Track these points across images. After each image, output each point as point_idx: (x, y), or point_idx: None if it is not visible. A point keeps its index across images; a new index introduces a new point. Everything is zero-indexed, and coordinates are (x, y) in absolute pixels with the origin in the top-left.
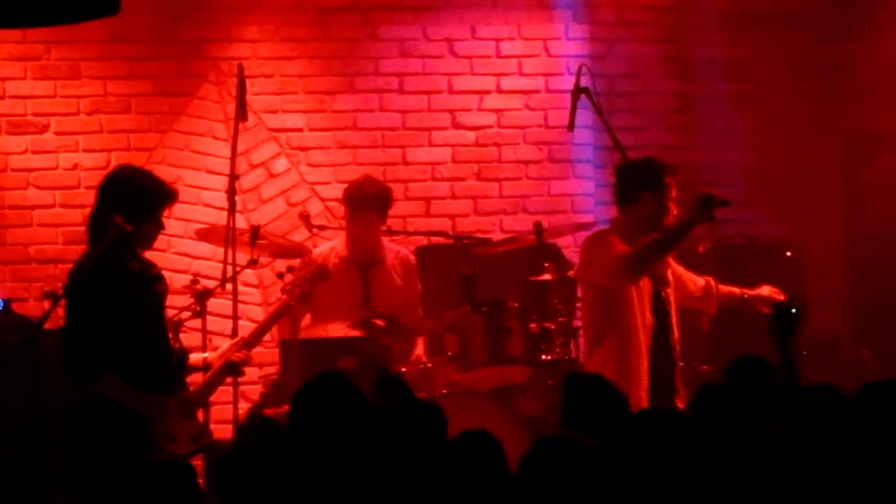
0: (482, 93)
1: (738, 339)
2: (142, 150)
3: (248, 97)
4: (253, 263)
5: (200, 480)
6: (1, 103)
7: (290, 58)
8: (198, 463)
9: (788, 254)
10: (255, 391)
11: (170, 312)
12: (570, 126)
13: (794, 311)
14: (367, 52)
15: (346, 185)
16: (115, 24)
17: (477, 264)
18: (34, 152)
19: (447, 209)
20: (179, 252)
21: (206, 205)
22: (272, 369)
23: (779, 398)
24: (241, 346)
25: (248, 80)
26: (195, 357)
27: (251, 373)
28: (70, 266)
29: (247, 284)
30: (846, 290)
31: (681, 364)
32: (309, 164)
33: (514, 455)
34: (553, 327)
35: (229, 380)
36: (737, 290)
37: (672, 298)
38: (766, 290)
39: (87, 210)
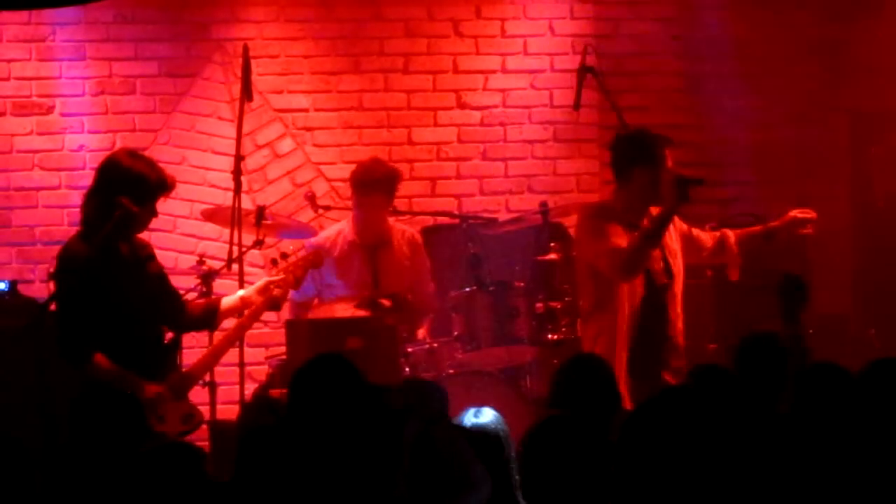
0: (487, 72)
1: (744, 317)
2: (147, 131)
3: (254, 78)
4: (259, 244)
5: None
6: (6, 85)
7: (296, 38)
8: (205, 443)
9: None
10: (261, 372)
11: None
12: (576, 105)
13: (801, 280)
14: (372, 33)
15: (352, 167)
16: (121, 5)
17: (483, 244)
18: (39, 134)
19: (453, 189)
20: (185, 233)
21: (212, 185)
22: (278, 350)
23: (788, 377)
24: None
25: (253, 61)
26: (229, 301)
27: (257, 354)
28: (60, 249)
29: (252, 265)
30: (852, 269)
31: (678, 339)
32: (314, 145)
33: (521, 434)
34: (559, 307)
35: (235, 360)
36: (757, 228)
37: (675, 268)
38: (792, 213)
39: (89, 189)
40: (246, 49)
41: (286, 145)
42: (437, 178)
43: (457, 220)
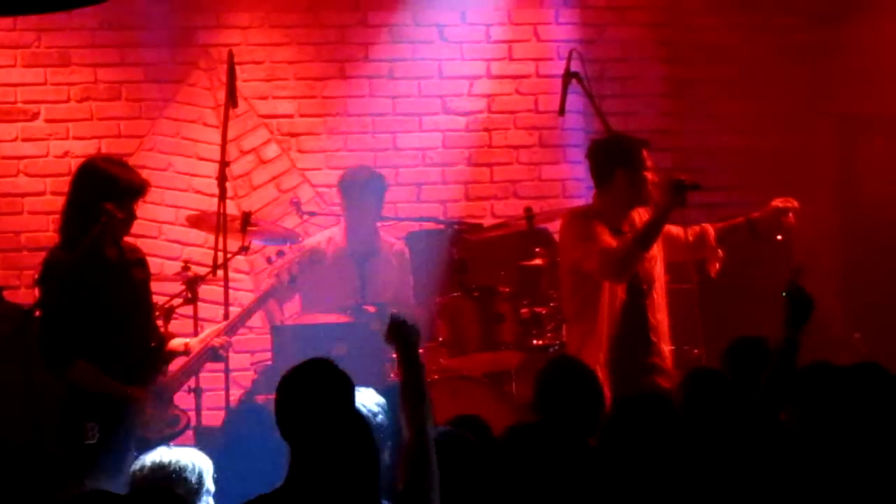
0: (472, 78)
1: (730, 322)
2: (132, 137)
3: (239, 84)
4: (244, 250)
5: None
6: None
7: (281, 44)
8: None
9: (779, 238)
10: (247, 377)
11: (160, 299)
12: (561, 111)
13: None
14: (357, 38)
15: (337, 173)
16: (106, 11)
17: (468, 249)
18: (24, 140)
19: (438, 195)
20: (170, 239)
21: (197, 191)
22: (264, 356)
23: (778, 381)
24: (224, 332)
25: (238, 67)
26: (177, 342)
27: (243, 359)
28: (45, 255)
29: (238, 271)
30: (838, 273)
31: (661, 343)
32: (300, 151)
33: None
34: (544, 312)
35: (221, 366)
36: (740, 220)
37: (655, 272)
38: (775, 202)
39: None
40: (231, 55)
41: (271, 151)
42: (423, 183)
43: (442, 226)
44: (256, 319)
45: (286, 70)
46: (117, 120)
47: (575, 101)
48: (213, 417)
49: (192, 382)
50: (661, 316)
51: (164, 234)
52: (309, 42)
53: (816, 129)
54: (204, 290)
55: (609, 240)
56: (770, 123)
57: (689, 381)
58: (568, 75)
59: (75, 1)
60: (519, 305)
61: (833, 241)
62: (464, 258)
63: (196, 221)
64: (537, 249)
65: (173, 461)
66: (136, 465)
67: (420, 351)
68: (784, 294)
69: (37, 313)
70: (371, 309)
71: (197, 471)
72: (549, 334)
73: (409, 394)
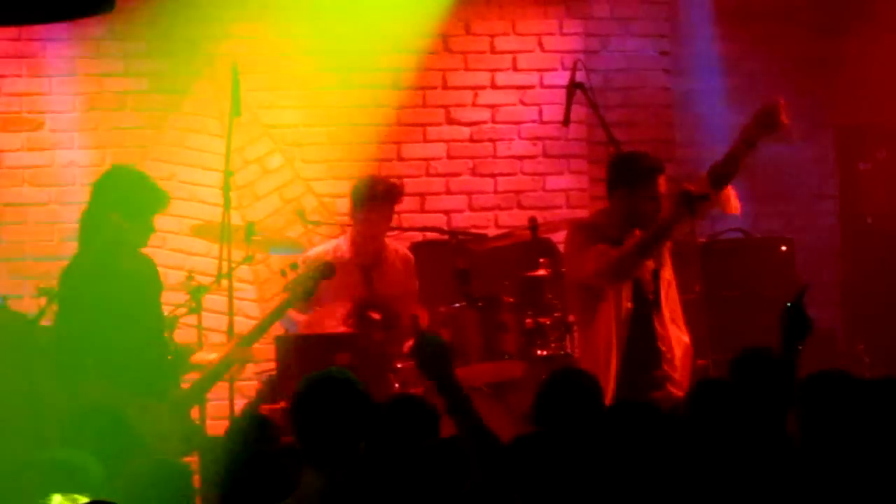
0: (476, 88)
1: (735, 332)
2: (137, 146)
3: (243, 94)
4: (248, 260)
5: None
6: None
7: (285, 54)
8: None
9: (783, 248)
10: (251, 387)
11: (165, 309)
12: (565, 121)
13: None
14: (361, 49)
15: (342, 183)
16: (111, 21)
17: (472, 259)
18: (29, 149)
19: (442, 205)
20: (174, 248)
21: (201, 201)
22: (268, 365)
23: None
24: (240, 345)
25: (242, 77)
26: (200, 356)
27: (247, 369)
28: (65, 263)
29: (242, 281)
30: (841, 285)
31: (670, 352)
32: (304, 161)
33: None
34: (548, 322)
35: (225, 376)
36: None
37: (663, 280)
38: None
39: (84, 207)
40: (235, 65)
41: (275, 161)
42: (427, 193)
43: (446, 236)
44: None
45: (290, 80)
46: (122, 130)
47: (579, 111)
48: (218, 427)
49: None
50: (671, 324)
51: (168, 244)
52: (313, 52)
53: (818, 140)
54: (208, 299)
55: (607, 249)
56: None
57: (696, 390)
58: (572, 86)
59: (80, 10)
60: (523, 315)
61: (835, 253)
62: (467, 268)
63: (200, 231)
64: (541, 260)
65: None
66: None
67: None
68: (783, 311)
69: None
70: (376, 316)
71: None
72: (552, 344)
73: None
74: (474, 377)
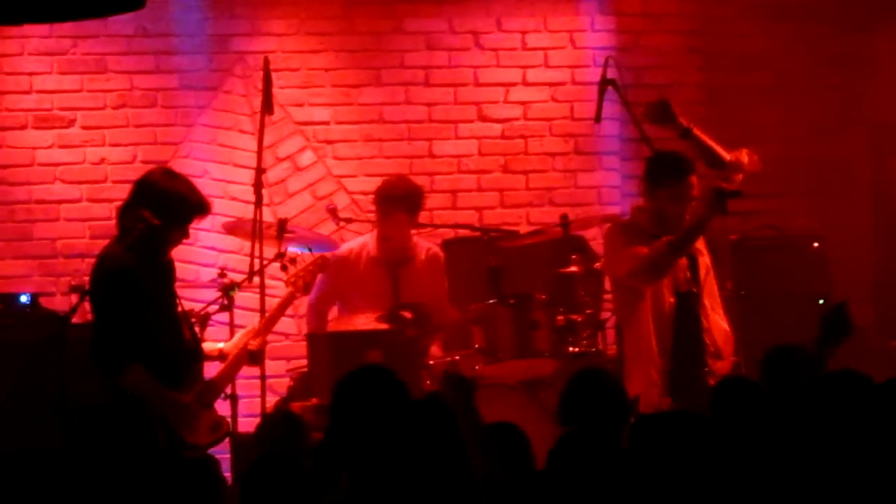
0: (508, 85)
1: (767, 329)
2: (168, 144)
3: (275, 91)
4: (280, 257)
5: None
6: (27, 98)
7: (316, 51)
8: (224, 456)
9: (815, 245)
10: (282, 384)
11: (197, 306)
12: (597, 118)
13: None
14: (392, 46)
15: (373, 180)
16: (141, 18)
17: (503, 257)
18: (61, 147)
19: (474, 202)
20: (206, 246)
21: (233, 198)
22: (299, 363)
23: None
24: (257, 335)
25: (274, 74)
26: (209, 347)
27: (279, 366)
28: (95, 261)
29: (273, 278)
30: (873, 282)
31: (715, 345)
32: (335, 158)
33: (541, 447)
34: (580, 319)
35: (257, 372)
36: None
37: (703, 266)
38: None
39: (115, 204)
40: (267, 62)
41: (307, 158)
42: (458, 190)
43: (477, 233)
44: (292, 326)
45: (322, 77)
46: (153, 127)
47: (611, 108)
48: (249, 424)
49: (228, 389)
50: (713, 313)
51: (199, 241)
52: (345, 49)
53: (850, 136)
54: (240, 296)
55: (642, 249)
56: (803, 131)
57: (719, 390)
58: (604, 82)
59: (111, 7)
60: (554, 313)
61: (866, 249)
62: (499, 265)
63: (232, 228)
64: (573, 257)
65: None
66: None
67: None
68: (822, 314)
69: (74, 319)
70: (407, 315)
71: None
72: (584, 342)
73: (474, 443)
74: (506, 374)
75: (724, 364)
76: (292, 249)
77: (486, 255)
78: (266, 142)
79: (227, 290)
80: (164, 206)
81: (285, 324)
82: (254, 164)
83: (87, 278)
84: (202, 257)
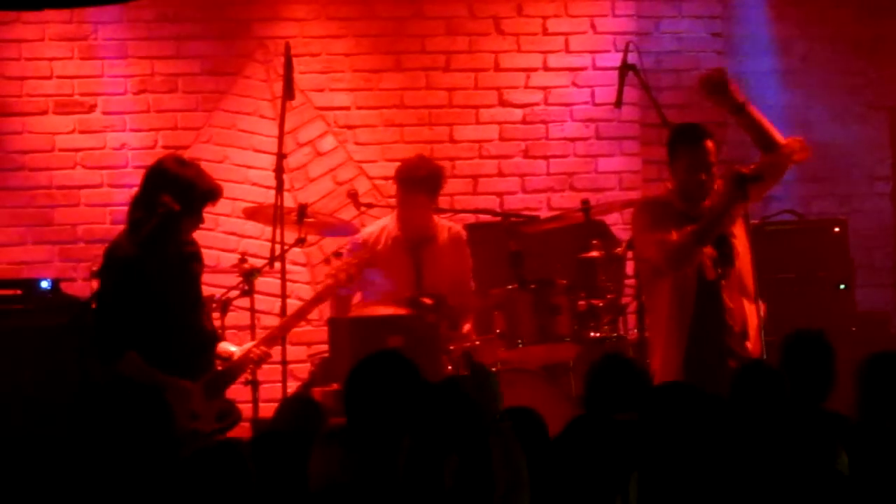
0: (529, 70)
1: (790, 314)
2: (189, 129)
3: (295, 76)
4: (301, 242)
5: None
6: (48, 83)
7: (337, 36)
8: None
9: (836, 230)
10: (303, 370)
11: (218, 291)
12: (618, 103)
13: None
14: (413, 31)
15: (394, 165)
16: (162, 4)
17: (524, 242)
18: (81, 132)
19: (495, 187)
20: (227, 231)
21: (254, 184)
22: (320, 348)
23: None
24: (264, 342)
25: (294, 59)
26: (223, 347)
27: (300, 351)
28: (107, 246)
29: (295, 263)
30: (893, 267)
31: (739, 327)
32: (356, 143)
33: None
34: (601, 305)
35: (278, 357)
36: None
37: (737, 249)
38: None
39: (136, 190)
40: (288, 47)
41: (328, 143)
42: (479, 175)
43: (498, 218)
44: (314, 312)
45: (343, 62)
46: (174, 112)
47: (631, 93)
48: (270, 410)
49: (248, 374)
50: (741, 296)
51: (220, 227)
52: (365, 34)
53: (871, 121)
54: (261, 282)
55: (670, 230)
56: (824, 116)
57: (740, 375)
58: (625, 67)
59: None
60: (576, 298)
61: (888, 234)
62: (520, 250)
63: (253, 213)
64: (594, 242)
65: None
66: None
67: (477, 343)
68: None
69: (93, 304)
70: (428, 301)
71: None
72: (605, 327)
73: None
74: (528, 359)
75: (755, 346)
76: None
77: (507, 241)
78: (287, 127)
79: (248, 275)
80: (184, 194)
81: None
82: (274, 149)
83: None
84: (223, 242)
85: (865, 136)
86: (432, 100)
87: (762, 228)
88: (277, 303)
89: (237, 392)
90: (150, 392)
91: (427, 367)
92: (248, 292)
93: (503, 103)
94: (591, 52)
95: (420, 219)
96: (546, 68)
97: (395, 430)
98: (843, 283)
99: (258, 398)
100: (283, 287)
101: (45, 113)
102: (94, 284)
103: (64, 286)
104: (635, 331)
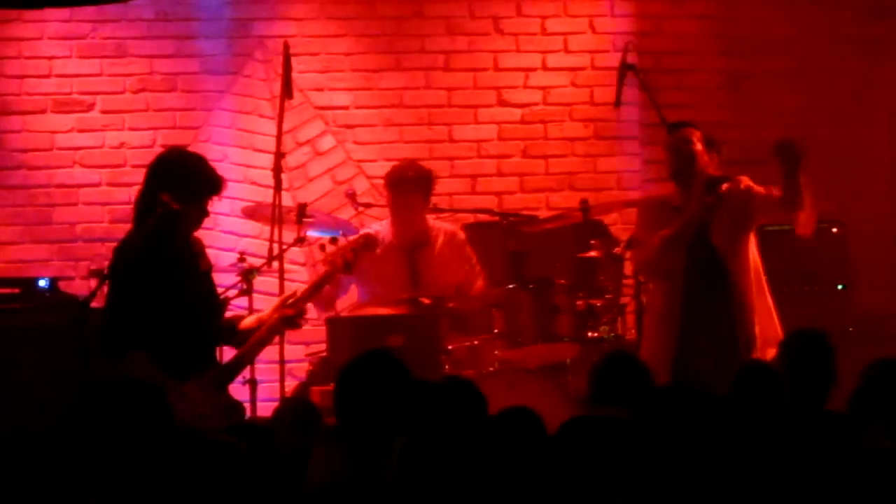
0: (528, 70)
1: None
2: (188, 128)
3: (294, 75)
4: (299, 241)
5: None
6: (47, 82)
7: (337, 35)
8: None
9: (835, 230)
10: (301, 369)
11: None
12: (617, 103)
13: None
14: (413, 30)
15: (393, 164)
16: (161, 2)
17: (524, 241)
18: (80, 131)
19: (493, 186)
20: (226, 230)
21: (253, 183)
22: (319, 347)
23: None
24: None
25: (293, 58)
26: (249, 321)
27: (298, 351)
28: (116, 245)
29: (293, 262)
30: (894, 267)
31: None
32: (355, 142)
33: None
34: (600, 304)
35: (276, 357)
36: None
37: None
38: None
39: (134, 188)
40: (287, 46)
41: (327, 143)
42: (478, 175)
43: (497, 218)
44: (312, 312)
45: (342, 62)
46: (173, 111)
47: (631, 93)
48: (268, 409)
49: (247, 373)
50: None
51: (219, 226)
52: (365, 34)
53: (872, 122)
54: (259, 281)
55: (653, 232)
56: (825, 117)
57: (739, 376)
58: (624, 67)
59: None
60: (575, 297)
61: (888, 235)
62: (519, 250)
63: (251, 213)
64: (593, 241)
65: None
66: None
67: (476, 343)
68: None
69: (93, 303)
70: (426, 301)
71: None
72: (604, 326)
73: None
74: (527, 359)
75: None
76: (330, 234)
77: (506, 240)
78: (286, 126)
79: (247, 274)
80: (180, 185)
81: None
82: (273, 148)
83: (106, 263)
84: (222, 241)
85: (865, 137)
86: (431, 99)
87: (762, 228)
88: (275, 302)
89: (236, 392)
90: (150, 391)
91: (425, 366)
92: (247, 291)
93: (502, 103)
94: (591, 52)
95: (414, 223)
96: (545, 68)
97: (386, 429)
98: (842, 284)
99: (256, 397)
100: (282, 286)
101: (43, 111)
102: (93, 283)
103: (62, 285)
104: (634, 330)
